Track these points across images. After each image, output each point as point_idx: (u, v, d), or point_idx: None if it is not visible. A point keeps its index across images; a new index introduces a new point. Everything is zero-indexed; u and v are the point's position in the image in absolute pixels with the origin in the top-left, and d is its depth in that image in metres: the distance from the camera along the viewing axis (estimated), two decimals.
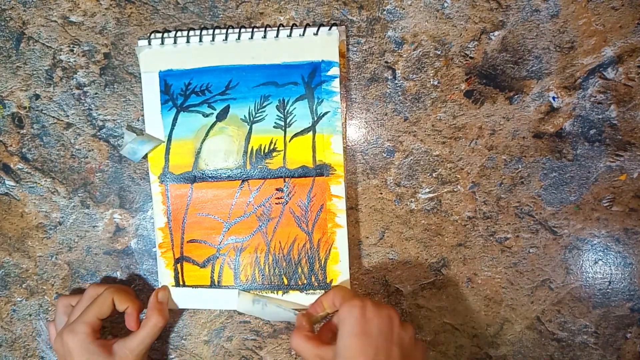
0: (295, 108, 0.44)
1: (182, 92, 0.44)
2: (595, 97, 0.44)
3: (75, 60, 0.46)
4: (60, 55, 0.46)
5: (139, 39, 0.44)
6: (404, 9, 0.44)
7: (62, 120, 0.46)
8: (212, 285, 0.45)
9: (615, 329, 0.46)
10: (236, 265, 0.45)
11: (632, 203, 0.45)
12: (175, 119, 0.44)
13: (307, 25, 0.43)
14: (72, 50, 0.46)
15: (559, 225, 0.45)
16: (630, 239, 0.45)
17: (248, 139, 0.44)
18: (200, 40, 0.44)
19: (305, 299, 0.45)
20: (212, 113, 0.44)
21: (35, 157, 0.46)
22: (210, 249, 0.45)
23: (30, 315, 0.48)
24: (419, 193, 0.46)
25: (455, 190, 0.45)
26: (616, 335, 0.46)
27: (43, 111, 0.46)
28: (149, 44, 0.44)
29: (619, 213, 0.45)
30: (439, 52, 0.45)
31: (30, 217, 0.47)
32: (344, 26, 0.44)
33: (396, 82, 0.45)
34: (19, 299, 0.48)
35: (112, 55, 0.46)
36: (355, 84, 0.45)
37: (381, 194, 0.46)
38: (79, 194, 0.47)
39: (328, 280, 0.45)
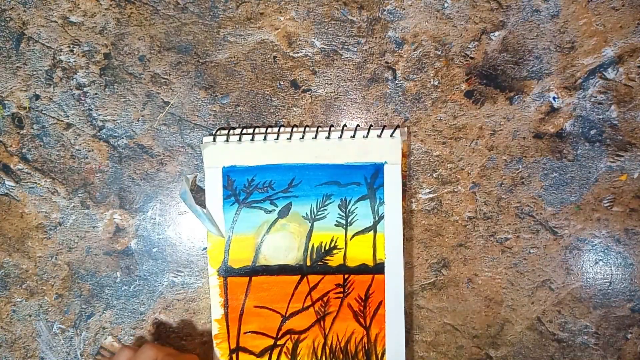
0: (356, 207, 0.44)
1: (245, 188, 0.45)
2: (595, 97, 0.44)
3: (75, 61, 0.46)
4: (60, 55, 0.46)
5: (204, 136, 0.45)
6: (404, 9, 0.44)
7: (62, 121, 0.46)
8: None
9: (616, 330, 0.46)
10: (293, 355, 0.45)
11: (632, 203, 0.45)
12: (236, 214, 0.45)
13: (371, 127, 0.44)
14: (72, 51, 0.46)
15: (559, 226, 0.45)
16: (631, 239, 0.45)
17: (309, 236, 0.45)
18: (265, 139, 0.44)
19: None
20: (274, 210, 0.45)
21: (35, 157, 0.46)
22: (267, 340, 0.45)
23: (30, 315, 0.48)
24: (420, 193, 0.46)
25: (455, 190, 0.45)
26: (617, 335, 0.46)
27: (43, 111, 0.46)
28: (214, 140, 0.44)
29: (619, 213, 0.45)
30: (439, 53, 0.45)
31: (30, 217, 0.47)
32: (405, 128, 0.45)
33: (396, 82, 0.45)
34: (18, 299, 0.48)
35: (112, 55, 0.46)
36: (355, 84, 0.45)
37: None
38: (79, 195, 0.47)
39: None
